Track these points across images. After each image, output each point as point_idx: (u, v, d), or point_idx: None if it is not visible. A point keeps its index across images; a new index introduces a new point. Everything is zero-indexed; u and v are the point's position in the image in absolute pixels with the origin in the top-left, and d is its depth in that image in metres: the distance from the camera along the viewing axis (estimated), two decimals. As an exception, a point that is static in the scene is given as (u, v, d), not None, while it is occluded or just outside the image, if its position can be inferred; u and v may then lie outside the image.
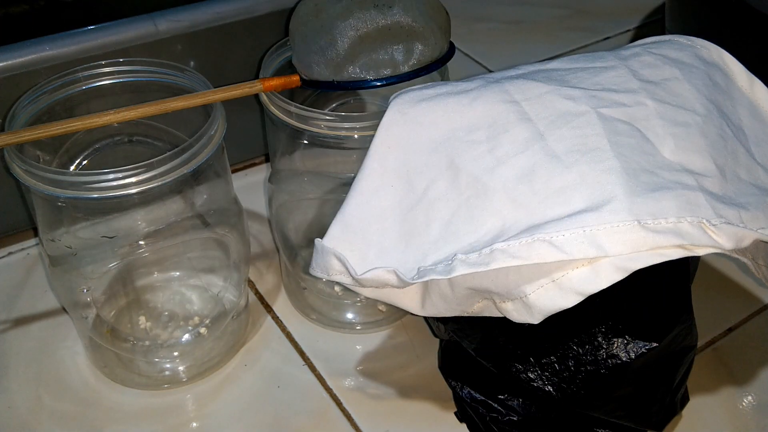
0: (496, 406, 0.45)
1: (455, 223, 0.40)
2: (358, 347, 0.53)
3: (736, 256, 0.41)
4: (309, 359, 0.52)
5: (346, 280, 0.41)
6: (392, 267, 0.39)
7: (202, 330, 0.51)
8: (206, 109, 0.46)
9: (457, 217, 0.40)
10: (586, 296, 0.37)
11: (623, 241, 0.36)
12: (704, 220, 0.37)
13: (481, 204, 0.39)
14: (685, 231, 0.36)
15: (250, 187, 0.65)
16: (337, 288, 0.55)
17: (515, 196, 0.39)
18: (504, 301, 0.39)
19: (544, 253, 0.36)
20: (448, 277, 0.38)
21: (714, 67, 0.45)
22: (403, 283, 0.39)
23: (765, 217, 0.39)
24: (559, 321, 0.39)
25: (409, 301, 0.42)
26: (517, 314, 0.39)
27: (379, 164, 0.42)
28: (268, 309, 0.55)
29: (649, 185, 0.38)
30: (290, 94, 0.49)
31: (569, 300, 0.37)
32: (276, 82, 0.46)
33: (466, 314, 0.42)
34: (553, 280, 0.37)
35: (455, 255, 0.38)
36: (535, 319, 0.38)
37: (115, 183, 0.40)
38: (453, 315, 0.43)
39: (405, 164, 0.42)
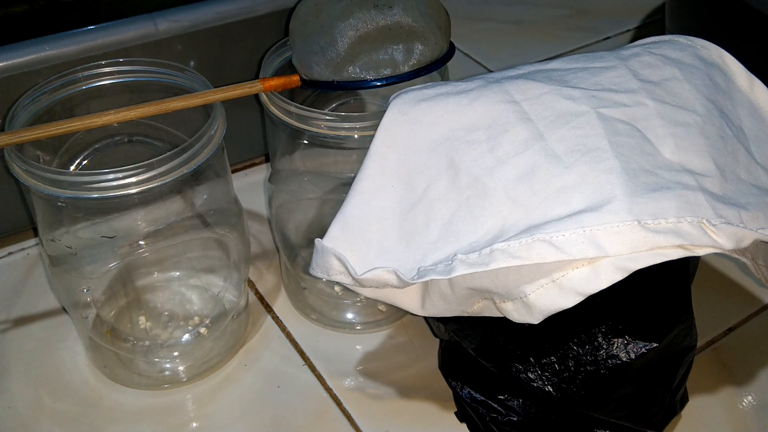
0: (496, 406, 0.45)
1: (455, 224, 0.40)
2: (358, 347, 0.53)
3: (736, 256, 0.41)
4: (309, 359, 0.52)
5: (346, 280, 0.41)
6: (392, 267, 0.39)
7: (202, 330, 0.51)
8: (206, 109, 0.46)
9: (457, 217, 0.40)
10: (587, 296, 0.37)
11: (623, 241, 0.36)
12: (704, 220, 0.37)
13: (481, 204, 0.39)
14: (685, 231, 0.36)
15: (250, 187, 0.65)
16: (337, 288, 0.55)
17: (515, 196, 0.39)
18: (504, 301, 0.39)
19: (544, 253, 0.36)
20: (448, 277, 0.38)
21: (714, 67, 0.45)
22: (403, 284, 0.39)
23: (765, 217, 0.39)
24: (559, 321, 0.39)
25: (410, 301, 0.42)
26: (517, 314, 0.39)
27: (379, 164, 0.42)
28: (268, 309, 0.55)
29: (649, 185, 0.38)
30: (290, 94, 0.49)
31: (569, 300, 0.37)
32: (276, 82, 0.46)
33: (466, 314, 0.42)
34: (553, 280, 0.37)
35: (455, 255, 0.38)
36: (535, 320, 0.38)
37: (115, 183, 0.40)
38: (453, 315, 0.43)
39: (405, 164, 0.42)
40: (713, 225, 0.37)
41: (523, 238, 0.37)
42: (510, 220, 0.38)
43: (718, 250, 0.37)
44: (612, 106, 0.41)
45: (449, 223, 0.40)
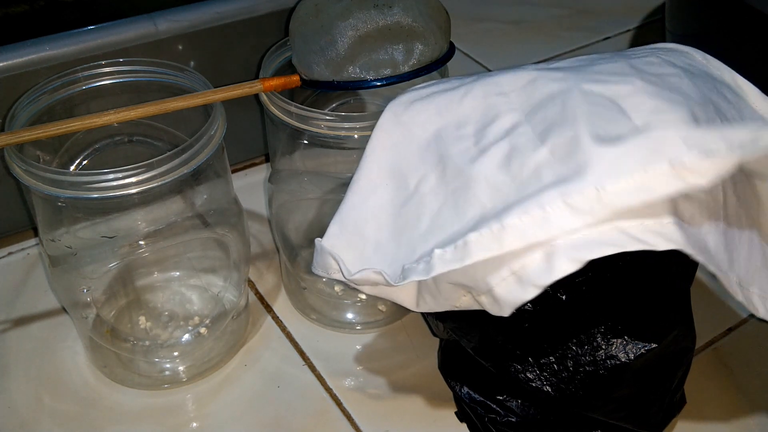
0: (494, 406, 0.45)
1: (442, 216, 0.40)
2: (358, 347, 0.53)
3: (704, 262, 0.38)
4: (309, 359, 0.52)
5: (342, 278, 0.42)
6: (378, 268, 0.40)
7: (202, 330, 0.51)
8: (206, 109, 0.46)
9: (444, 209, 0.40)
10: (543, 288, 0.36)
11: (583, 211, 0.35)
12: (671, 161, 0.34)
13: (464, 194, 0.40)
14: (648, 185, 0.34)
15: (250, 187, 0.65)
16: (337, 288, 0.55)
17: (495, 182, 0.39)
18: (479, 295, 0.39)
19: (512, 240, 0.36)
20: (428, 277, 0.38)
21: (723, 85, 0.43)
22: (390, 284, 0.40)
23: (751, 138, 0.35)
24: (558, 321, 0.39)
25: (405, 297, 0.43)
26: (491, 308, 0.39)
27: (375, 165, 0.42)
28: (268, 309, 0.55)
29: (616, 147, 0.36)
30: (290, 94, 0.49)
31: (529, 293, 0.37)
32: (276, 82, 0.46)
33: (456, 308, 0.42)
34: (513, 272, 0.37)
35: (433, 251, 0.38)
36: (506, 312, 0.38)
37: (115, 183, 0.40)
38: (445, 310, 0.43)
39: (399, 164, 0.42)
40: (684, 161, 0.34)
41: (495, 225, 0.36)
42: (489, 207, 0.38)
43: (690, 189, 0.34)
44: (597, 83, 0.40)
45: (437, 215, 0.40)
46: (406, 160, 0.42)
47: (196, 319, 0.52)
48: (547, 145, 0.38)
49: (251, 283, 0.57)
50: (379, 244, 0.41)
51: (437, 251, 0.38)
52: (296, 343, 0.53)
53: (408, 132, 0.42)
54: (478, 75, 0.44)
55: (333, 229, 0.42)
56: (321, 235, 0.42)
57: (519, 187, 0.38)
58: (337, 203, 0.43)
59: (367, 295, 0.53)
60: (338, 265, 0.41)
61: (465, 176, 0.40)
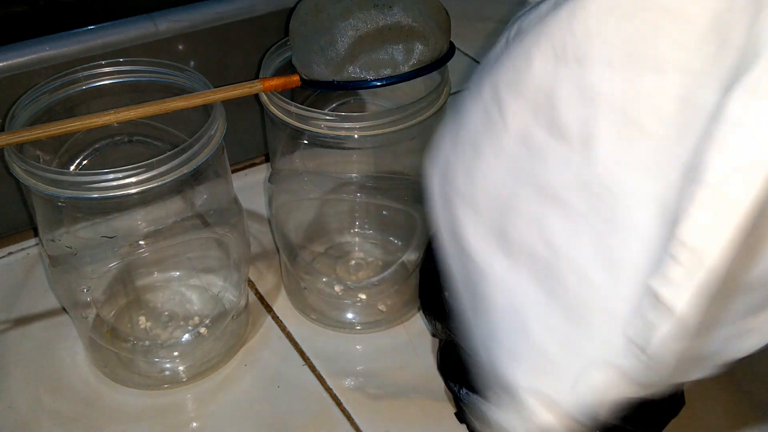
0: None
1: (608, 251, 0.30)
2: (358, 347, 0.53)
3: None
4: (309, 359, 0.52)
5: (557, 421, 0.32)
6: (613, 366, 0.30)
7: (202, 330, 0.51)
8: (206, 109, 0.46)
9: (604, 243, 0.30)
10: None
11: None
12: None
13: (614, 203, 0.29)
14: None
15: (250, 187, 0.65)
16: (336, 288, 0.55)
17: (636, 159, 0.28)
18: None
19: (742, 186, 0.25)
20: (692, 321, 0.28)
21: None
22: (639, 382, 0.31)
23: None
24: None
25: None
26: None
27: (486, 272, 0.34)
28: (268, 309, 0.55)
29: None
30: (290, 94, 0.49)
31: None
32: (276, 82, 0.46)
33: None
34: None
35: (654, 289, 0.28)
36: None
37: (115, 183, 0.40)
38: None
39: (508, 242, 0.33)
40: None
41: (706, 185, 0.25)
42: (662, 195, 0.28)
43: None
44: None
45: (599, 258, 0.30)
46: (511, 231, 0.33)
47: (196, 319, 0.52)
48: (668, 70, 0.28)
49: (251, 283, 0.57)
50: (559, 338, 0.31)
51: (659, 285, 0.27)
52: (296, 343, 0.53)
53: (487, 199, 0.33)
54: (478, 83, 0.35)
55: (508, 364, 0.32)
56: (321, 235, 0.41)
57: (682, 134, 0.28)
58: (337, 203, 0.43)
59: (367, 295, 0.54)
60: (549, 399, 0.31)
61: (596, 186, 0.29)
